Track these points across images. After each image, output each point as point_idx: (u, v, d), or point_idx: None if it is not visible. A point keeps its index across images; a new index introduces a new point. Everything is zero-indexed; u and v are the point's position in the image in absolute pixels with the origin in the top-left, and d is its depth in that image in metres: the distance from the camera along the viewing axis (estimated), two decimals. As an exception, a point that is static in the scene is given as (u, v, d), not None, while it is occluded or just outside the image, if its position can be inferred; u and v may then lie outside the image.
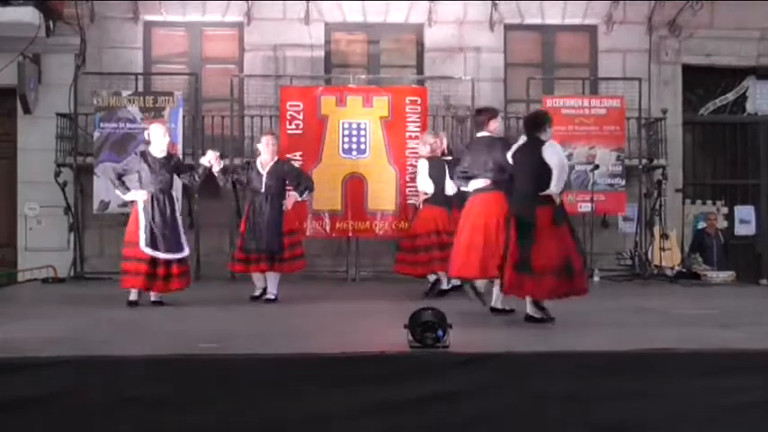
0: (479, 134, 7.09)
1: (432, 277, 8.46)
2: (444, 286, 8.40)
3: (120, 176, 7.72)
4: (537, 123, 6.38)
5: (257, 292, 8.33)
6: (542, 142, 6.26)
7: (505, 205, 6.58)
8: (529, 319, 6.29)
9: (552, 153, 6.21)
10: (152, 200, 7.60)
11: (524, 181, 6.28)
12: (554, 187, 6.13)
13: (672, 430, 4.51)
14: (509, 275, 6.23)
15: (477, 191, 6.87)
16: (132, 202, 7.82)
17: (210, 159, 7.88)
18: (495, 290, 6.73)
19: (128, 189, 7.70)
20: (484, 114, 7.14)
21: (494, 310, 6.75)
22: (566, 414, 4.52)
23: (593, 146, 9.81)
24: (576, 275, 6.13)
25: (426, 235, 8.44)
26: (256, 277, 8.35)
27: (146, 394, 4.47)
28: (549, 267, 6.04)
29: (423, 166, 8.61)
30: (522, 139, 6.50)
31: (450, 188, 8.21)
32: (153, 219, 7.56)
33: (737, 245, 12.48)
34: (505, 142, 6.90)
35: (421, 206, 8.70)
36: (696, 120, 12.82)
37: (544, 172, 6.14)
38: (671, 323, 6.33)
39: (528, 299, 6.30)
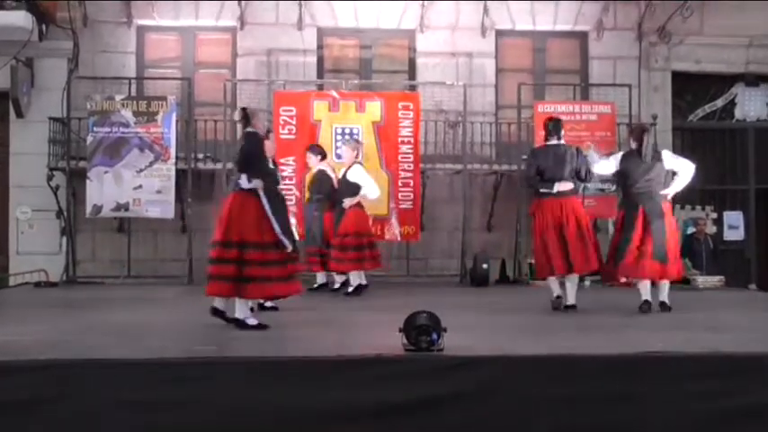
0: (553, 141, 7.64)
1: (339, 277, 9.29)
2: (336, 287, 9.28)
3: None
4: (646, 133, 7.46)
5: None
6: (658, 152, 7.47)
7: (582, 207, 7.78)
8: (664, 306, 7.32)
9: (674, 158, 7.53)
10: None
11: (647, 182, 7.28)
12: (679, 186, 7.40)
13: (663, 433, 4.56)
14: (650, 264, 7.24)
15: (562, 194, 7.51)
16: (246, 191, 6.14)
17: None
18: (571, 285, 7.53)
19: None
20: (561, 122, 7.78)
21: (569, 306, 7.50)
22: (558, 417, 4.56)
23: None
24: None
25: (343, 236, 8.92)
26: None
27: (141, 397, 4.48)
28: (676, 253, 7.43)
29: (364, 171, 9.13)
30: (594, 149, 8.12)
31: (374, 192, 9.15)
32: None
33: (726, 250, 12.58)
34: (579, 150, 7.70)
35: (350, 207, 8.96)
36: (685, 126, 12.93)
37: (663, 174, 7.31)
38: (661, 327, 6.38)
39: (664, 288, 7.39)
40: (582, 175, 7.61)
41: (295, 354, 4.94)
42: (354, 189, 8.95)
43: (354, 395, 4.53)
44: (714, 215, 12.79)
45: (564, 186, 7.49)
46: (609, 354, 4.90)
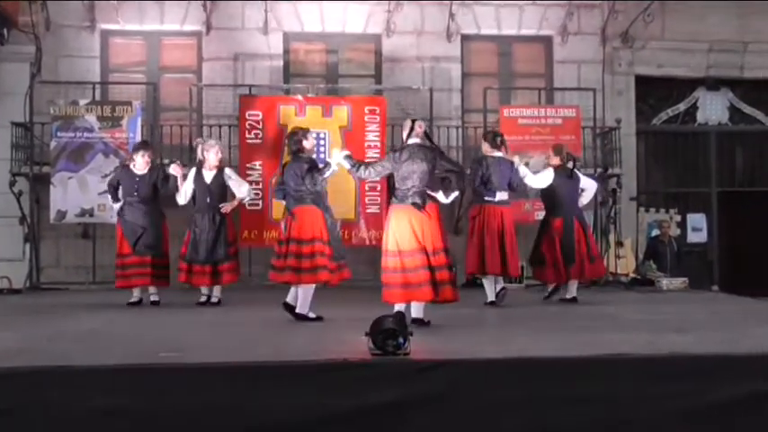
0: (497, 154, 8.31)
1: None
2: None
3: None
4: (572, 157, 8.94)
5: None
6: (574, 171, 8.77)
7: None
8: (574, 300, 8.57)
9: (587, 179, 9.05)
10: None
11: (571, 197, 8.66)
12: (586, 200, 8.94)
13: (627, 433, 4.60)
14: (583, 266, 8.66)
15: (503, 202, 8.26)
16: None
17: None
18: (496, 286, 8.28)
19: None
20: (502, 137, 8.54)
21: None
22: (526, 420, 4.58)
23: (550, 155, 9.99)
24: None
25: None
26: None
27: (106, 405, 4.43)
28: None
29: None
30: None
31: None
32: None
33: (690, 252, 12.77)
34: (513, 163, 8.40)
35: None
36: (649, 129, 13.11)
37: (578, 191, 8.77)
38: (624, 329, 6.44)
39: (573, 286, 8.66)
40: (514, 187, 8.37)
41: (261, 359, 4.92)
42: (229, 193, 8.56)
43: (321, 400, 4.52)
44: (678, 218, 12.96)
45: (504, 196, 8.24)
46: (570, 356, 4.94)
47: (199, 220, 8.37)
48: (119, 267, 8.52)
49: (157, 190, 8.50)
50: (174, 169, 8.38)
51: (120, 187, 8.51)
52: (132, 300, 8.50)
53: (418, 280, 6.28)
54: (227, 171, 8.51)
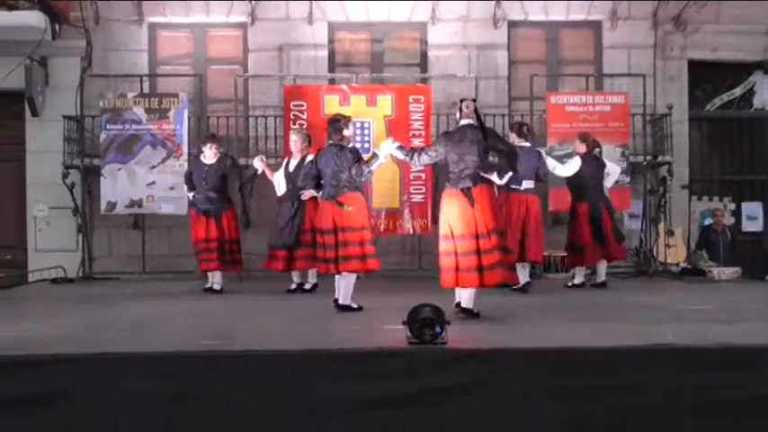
0: (525, 143, 8.53)
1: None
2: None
3: None
4: (597, 144, 9.28)
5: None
6: (600, 158, 9.20)
7: None
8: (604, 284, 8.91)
9: (611, 163, 9.37)
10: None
11: (598, 183, 9.00)
12: (610, 184, 9.20)
13: (668, 426, 4.50)
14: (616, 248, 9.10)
15: (528, 190, 8.53)
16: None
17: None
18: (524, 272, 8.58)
19: None
20: (529, 127, 8.91)
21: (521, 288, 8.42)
22: (563, 410, 4.53)
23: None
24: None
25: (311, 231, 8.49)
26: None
27: (149, 391, 4.52)
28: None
29: None
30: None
31: None
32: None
33: (745, 241, 12.42)
34: (541, 153, 8.74)
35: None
36: (702, 115, 12.76)
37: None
38: (672, 319, 6.31)
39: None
40: (540, 176, 8.65)
41: (298, 347, 4.95)
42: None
43: (357, 388, 4.54)
44: (732, 206, 12.64)
45: (530, 184, 8.50)
46: (613, 346, 4.86)
47: (281, 207, 8.77)
48: (198, 253, 9.04)
49: (226, 178, 9.00)
50: (258, 163, 8.87)
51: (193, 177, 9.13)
52: (208, 285, 9.02)
53: (468, 265, 6.24)
54: (311, 158, 8.51)
